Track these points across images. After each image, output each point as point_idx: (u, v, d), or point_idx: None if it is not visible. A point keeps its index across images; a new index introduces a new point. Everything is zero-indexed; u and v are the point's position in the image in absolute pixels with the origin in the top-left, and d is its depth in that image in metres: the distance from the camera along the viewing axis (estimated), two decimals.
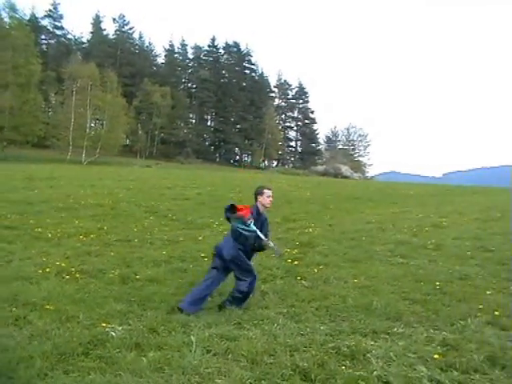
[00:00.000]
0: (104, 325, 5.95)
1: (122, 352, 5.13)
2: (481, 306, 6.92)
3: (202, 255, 10.27)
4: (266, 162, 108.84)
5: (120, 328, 5.85)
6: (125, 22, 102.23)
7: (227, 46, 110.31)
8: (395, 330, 6.01)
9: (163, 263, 9.60)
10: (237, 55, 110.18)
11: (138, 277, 8.40)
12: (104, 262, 9.62)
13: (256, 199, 7.47)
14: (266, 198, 7.39)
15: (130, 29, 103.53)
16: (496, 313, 6.66)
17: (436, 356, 5.13)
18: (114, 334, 5.62)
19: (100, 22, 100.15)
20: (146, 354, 5.13)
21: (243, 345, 5.36)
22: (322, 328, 6.03)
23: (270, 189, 7.52)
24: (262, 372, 4.72)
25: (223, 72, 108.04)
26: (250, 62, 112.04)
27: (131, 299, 7.12)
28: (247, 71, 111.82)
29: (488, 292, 7.71)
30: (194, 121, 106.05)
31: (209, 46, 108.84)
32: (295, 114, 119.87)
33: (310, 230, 14.57)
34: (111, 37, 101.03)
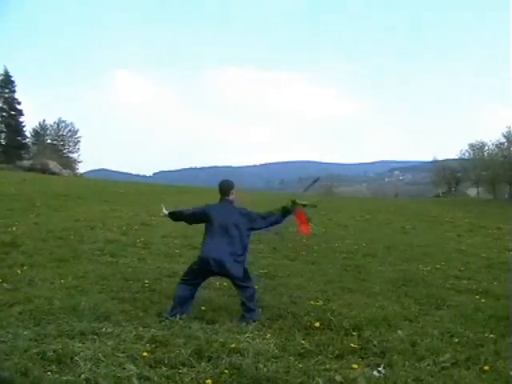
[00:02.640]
0: None
1: None
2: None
3: None
4: None
5: None
6: None
7: None
8: (104, 330, 5.84)
9: None
10: None
11: None
12: None
13: (228, 194, 7.03)
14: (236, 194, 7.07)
15: None
16: (203, 308, 6.94)
17: (145, 353, 5.10)
18: None
19: None
20: None
21: None
22: (25, 333, 5.60)
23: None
24: None
25: None
26: None
27: None
28: None
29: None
30: None
31: None
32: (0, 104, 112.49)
33: (14, 228, 13.78)
34: None
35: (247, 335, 5.85)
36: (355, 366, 5.04)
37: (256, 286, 8.33)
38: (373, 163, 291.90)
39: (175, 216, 7.45)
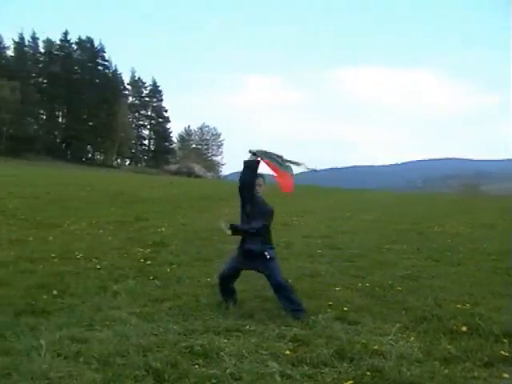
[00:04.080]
0: None
1: None
2: (330, 303, 7.11)
3: (52, 255, 9.78)
4: (119, 161, 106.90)
5: None
6: None
7: (80, 41, 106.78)
8: (247, 327, 6.00)
9: (11, 265, 8.96)
10: (90, 51, 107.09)
11: None
12: None
13: None
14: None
15: None
16: (345, 308, 6.87)
17: (287, 352, 5.17)
18: None
19: None
20: None
21: (95, 347, 5.12)
22: (174, 327, 5.91)
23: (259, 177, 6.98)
24: (115, 374, 4.53)
25: (75, 68, 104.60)
26: (103, 58, 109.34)
27: None
28: (100, 68, 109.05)
29: (337, 288, 7.97)
30: (44, 117, 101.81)
31: (61, 40, 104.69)
32: (149, 113, 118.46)
33: (163, 229, 14.46)
34: None
35: (390, 337, 5.74)
36: (506, 375, 4.79)
37: (399, 287, 8.20)
38: None
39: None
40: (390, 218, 20.05)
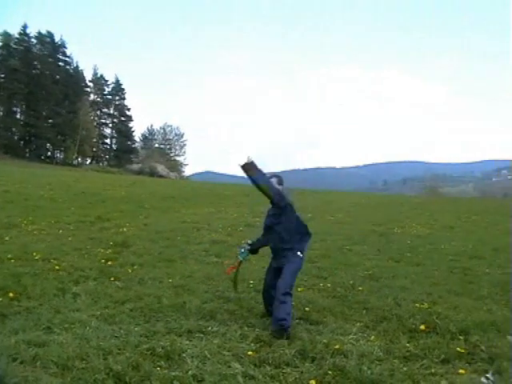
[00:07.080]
0: None
1: None
2: (292, 303, 7.19)
3: (9, 256, 9.60)
4: (80, 159, 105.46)
5: None
6: None
7: (40, 36, 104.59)
8: (210, 328, 6.01)
9: None
10: (50, 46, 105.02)
11: None
12: None
13: None
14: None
15: None
16: (306, 309, 6.97)
17: (250, 352, 5.21)
18: None
19: None
20: None
21: (53, 350, 5.02)
22: (136, 329, 5.87)
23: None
24: (74, 378, 4.45)
25: (35, 63, 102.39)
26: (64, 54, 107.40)
27: None
28: (61, 63, 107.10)
29: (299, 289, 8.02)
30: (1, 113, 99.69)
31: (19, 33, 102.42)
32: (111, 111, 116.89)
33: (125, 229, 14.37)
34: None
35: (351, 337, 5.84)
36: (462, 371, 4.91)
37: (360, 288, 8.31)
38: (479, 162, 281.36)
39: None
40: (353, 220, 20.26)
